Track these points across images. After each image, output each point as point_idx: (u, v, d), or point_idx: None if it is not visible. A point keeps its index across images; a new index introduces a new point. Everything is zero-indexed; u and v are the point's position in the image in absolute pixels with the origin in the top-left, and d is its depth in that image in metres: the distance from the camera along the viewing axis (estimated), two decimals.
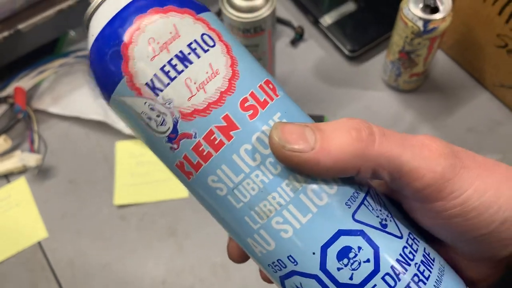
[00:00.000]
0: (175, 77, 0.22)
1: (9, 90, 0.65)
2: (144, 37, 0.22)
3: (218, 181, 0.22)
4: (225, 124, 0.22)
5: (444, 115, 0.64)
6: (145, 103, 0.22)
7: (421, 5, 0.54)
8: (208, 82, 0.22)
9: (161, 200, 0.61)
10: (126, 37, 0.22)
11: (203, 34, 0.22)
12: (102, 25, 0.23)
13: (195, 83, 0.22)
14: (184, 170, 0.23)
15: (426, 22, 0.54)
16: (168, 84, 0.22)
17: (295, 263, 0.22)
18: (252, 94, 0.22)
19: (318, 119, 0.63)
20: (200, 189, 0.23)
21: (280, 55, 0.68)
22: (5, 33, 0.61)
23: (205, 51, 0.22)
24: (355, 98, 0.66)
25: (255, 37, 0.54)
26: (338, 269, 0.21)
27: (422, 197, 0.21)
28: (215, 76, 0.22)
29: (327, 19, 0.68)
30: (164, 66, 0.22)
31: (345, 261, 0.21)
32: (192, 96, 0.22)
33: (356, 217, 0.22)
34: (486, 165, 0.21)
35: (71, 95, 0.67)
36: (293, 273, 0.22)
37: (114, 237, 0.59)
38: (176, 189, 0.61)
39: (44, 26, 0.62)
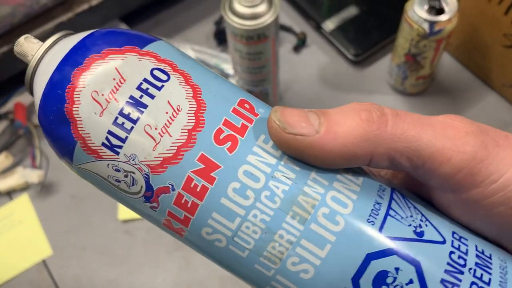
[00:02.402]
0: (132, 128, 0.19)
1: (9, 106, 0.65)
2: (86, 93, 0.19)
3: (214, 232, 0.19)
4: (203, 166, 0.19)
5: None
6: (108, 165, 0.19)
7: (426, 7, 0.54)
8: (171, 123, 0.19)
9: None
10: (67, 98, 0.19)
11: (152, 70, 0.20)
12: (42, 89, 0.20)
13: (156, 129, 0.19)
14: (173, 228, 0.20)
15: (432, 24, 0.53)
16: (126, 138, 0.19)
17: None
18: (226, 123, 0.19)
19: None
20: (197, 244, 0.20)
21: (283, 62, 0.67)
22: (5, 48, 0.60)
23: (159, 88, 0.19)
24: None
25: (258, 44, 0.53)
26: None
27: (454, 185, 0.18)
28: (178, 113, 0.19)
29: (329, 24, 0.67)
30: (117, 118, 0.19)
31: None
32: (157, 144, 0.19)
33: (384, 233, 0.19)
34: None
35: None
36: None
37: (120, 252, 0.58)
38: None
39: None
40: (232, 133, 0.19)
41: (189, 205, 0.19)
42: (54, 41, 0.21)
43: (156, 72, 0.20)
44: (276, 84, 0.61)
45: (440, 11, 0.53)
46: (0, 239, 0.59)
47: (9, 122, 0.64)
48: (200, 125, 0.19)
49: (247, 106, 0.20)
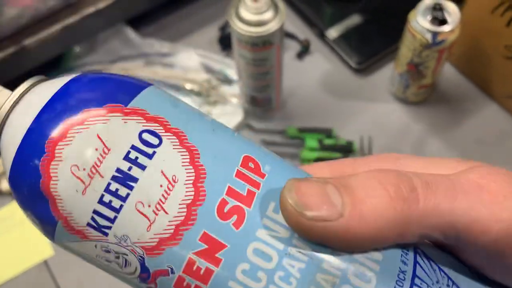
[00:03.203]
0: (122, 206, 0.16)
1: None
2: (64, 168, 0.16)
3: None
4: (206, 247, 0.16)
5: (452, 127, 0.64)
6: (96, 246, 0.17)
7: (429, 18, 0.54)
8: (166, 199, 0.17)
9: None
10: (43, 173, 0.17)
11: (141, 133, 0.17)
12: (11, 155, 0.17)
13: (149, 206, 0.16)
14: None
15: (434, 34, 0.54)
16: (116, 217, 0.17)
17: None
18: (229, 191, 0.17)
19: (327, 132, 0.62)
20: None
21: (286, 68, 0.68)
22: (11, 49, 0.60)
23: (150, 156, 0.17)
24: (363, 111, 0.65)
25: (263, 51, 0.53)
26: None
27: (493, 254, 0.16)
28: (174, 185, 0.17)
29: (333, 32, 0.68)
30: (102, 196, 0.16)
31: None
32: (151, 224, 0.16)
33: None
34: None
35: None
36: None
37: None
38: None
39: (50, 42, 0.62)
40: (238, 203, 0.17)
41: None
42: (24, 91, 0.18)
43: (145, 136, 0.17)
44: (279, 90, 0.62)
45: (443, 22, 0.54)
46: (1, 239, 0.59)
47: None
48: (201, 198, 0.17)
49: (251, 165, 0.18)
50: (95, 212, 0.17)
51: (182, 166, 0.17)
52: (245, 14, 0.51)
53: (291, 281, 0.16)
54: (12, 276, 0.57)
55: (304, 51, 0.69)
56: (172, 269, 0.17)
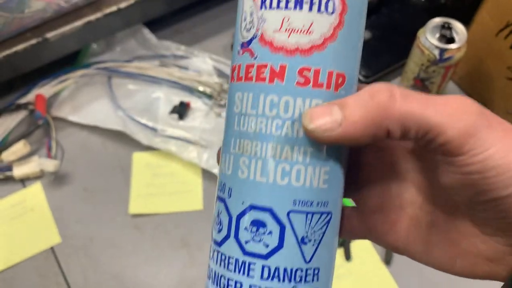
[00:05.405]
0: (278, 8, 0.22)
1: (29, 97, 0.67)
2: None
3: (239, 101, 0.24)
4: (278, 71, 0.22)
5: None
6: (251, 6, 0.23)
7: (437, 35, 0.57)
8: (297, 33, 0.22)
9: (176, 211, 0.61)
10: None
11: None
12: None
13: (288, 25, 0.22)
14: (232, 73, 0.25)
15: (442, 51, 0.57)
16: (271, 8, 0.22)
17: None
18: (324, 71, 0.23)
19: None
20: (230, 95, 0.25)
21: None
22: (33, 41, 0.62)
23: (318, 10, 0.22)
24: None
25: None
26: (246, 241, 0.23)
27: (444, 151, 0.21)
28: (306, 33, 0.22)
29: None
30: None
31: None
32: (277, 31, 0.22)
33: None
34: None
35: (91, 105, 0.68)
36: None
37: (127, 245, 0.60)
38: (191, 202, 0.61)
39: (71, 36, 0.64)
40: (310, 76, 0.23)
41: (249, 75, 0.24)
42: None
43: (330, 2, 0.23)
44: None
45: (451, 40, 0.57)
46: (10, 224, 0.60)
47: (28, 112, 0.66)
48: (311, 51, 0.23)
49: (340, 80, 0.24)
50: None
51: (320, 36, 0.23)
52: None
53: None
54: (19, 261, 0.58)
55: None
56: (257, 56, 0.23)
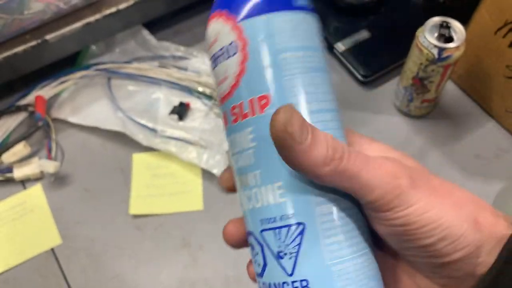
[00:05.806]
0: (212, 69, 0.27)
1: (29, 98, 0.67)
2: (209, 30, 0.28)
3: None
4: (223, 116, 0.26)
5: (452, 141, 0.67)
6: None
7: (436, 34, 0.57)
8: (222, 82, 0.26)
9: (176, 212, 0.61)
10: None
11: (231, 43, 0.25)
12: None
13: (217, 79, 0.26)
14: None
15: (440, 50, 0.57)
16: (212, 70, 0.27)
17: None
18: (249, 101, 0.25)
19: None
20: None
21: None
22: (33, 43, 0.62)
23: (227, 58, 0.25)
24: (366, 122, 0.68)
25: None
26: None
27: (374, 208, 0.24)
28: (225, 79, 0.25)
29: (341, 46, 0.71)
30: (214, 54, 0.26)
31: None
32: (218, 85, 0.26)
33: None
34: (439, 189, 0.24)
35: (91, 106, 0.68)
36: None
37: (128, 246, 0.60)
38: (191, 202, 0.62)
39: (70, 37, 0.64)
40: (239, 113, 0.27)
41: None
42: None
43: (231, 46, 0.26)
44: None
45: (449, 39, 0.57)
46: (11, 225, 0.60)
47: (28, 114, 0.66)
48: (232, 92, 0.26)
49: (264, 101, 0.26)
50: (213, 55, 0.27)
51: (233, 74, 0.25)
52: None
53: None
54: (19, 262, 0.58)
55: None
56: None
